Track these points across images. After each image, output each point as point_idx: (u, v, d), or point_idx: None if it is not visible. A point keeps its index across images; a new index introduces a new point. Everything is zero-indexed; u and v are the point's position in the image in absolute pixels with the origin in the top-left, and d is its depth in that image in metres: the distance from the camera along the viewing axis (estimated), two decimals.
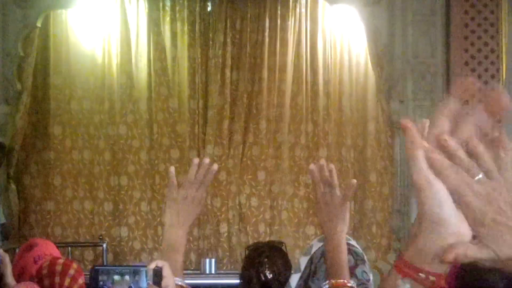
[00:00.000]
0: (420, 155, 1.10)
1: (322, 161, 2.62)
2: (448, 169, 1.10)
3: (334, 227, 2.58)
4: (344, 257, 2.59)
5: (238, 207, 8.93)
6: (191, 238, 8.49)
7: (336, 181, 2.60)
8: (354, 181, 2.71)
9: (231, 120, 8.98)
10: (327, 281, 2.59)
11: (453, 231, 1.12)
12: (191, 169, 2.61)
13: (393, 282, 1.18)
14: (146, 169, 9.04)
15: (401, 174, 8.33)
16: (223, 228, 8.87)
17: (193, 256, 8.66)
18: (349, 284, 2.58)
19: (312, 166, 2.65)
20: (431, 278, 1.15)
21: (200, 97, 9.03)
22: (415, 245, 1.15)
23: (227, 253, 8.78)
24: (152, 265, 2.05)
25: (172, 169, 2.70)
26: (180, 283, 2.53)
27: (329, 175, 2.60)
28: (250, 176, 8.98)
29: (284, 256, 3.60)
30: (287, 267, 3.49)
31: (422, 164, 1.10)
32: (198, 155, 8.89)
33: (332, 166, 2.59)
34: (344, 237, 2.63)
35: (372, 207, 8.71)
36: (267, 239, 8.35)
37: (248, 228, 8.90)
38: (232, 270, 7.97)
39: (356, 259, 2.98)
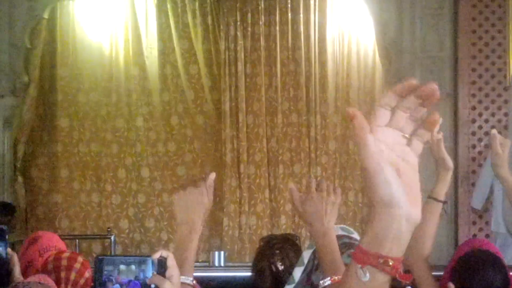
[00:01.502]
0: (370, 140, 1.12)
1: (291, 185, 2.67)
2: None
3: (326, 222, 2.58)
4: (337, 252, 2.59)
5: (267, 200, 8.96)
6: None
7: (325, 187, 2.61)
8: (339, 189, 2.73)
9: (248, 113, 9.00)
10: (329, 278, 2.58)
11: (405, 213, 1.15)
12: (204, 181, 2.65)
13: (353, 273, 1.17)
14: (165, 161, 9.07)
15: None
16: (253, 220, 8.91)
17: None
18: None
19: (291, 185, 2.68)
20: (390, 262, 1.15)
21: (215, 90, 9.03)
22: (370, 231, 1.16)
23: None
24: (157, 255, 2.05)
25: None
26: (188, 282, 2.52)
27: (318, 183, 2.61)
28: (273, 168, 9.02)
29: (296, 249, 3.59)
30: (299, 259, 3.49)
31: (373, 148, 1.13)
32: (216, 148, 9.00)
33: (339, 190, 2.61)
34: (334, 232, 2.62)
35: None
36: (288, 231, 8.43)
37: (273, 221, 8.95)
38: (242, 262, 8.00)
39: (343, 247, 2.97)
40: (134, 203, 8.94)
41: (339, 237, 2.73)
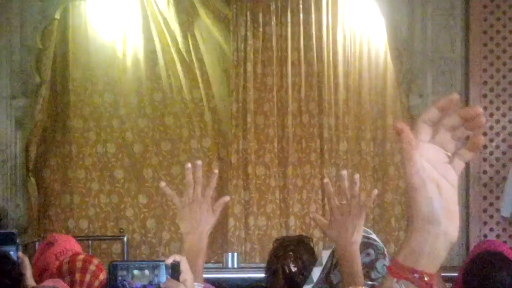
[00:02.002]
0: (417, 156, 1.15)
1: (344, 172, 2.60)
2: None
3: (349, 237, 2.58)
4: (359, 266, 2.59)
5: (278, 200, 8.96)
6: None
7: (357, 191, 2.58)
8: (376, 191, 2.69)
9: (257, 115, 9.00)
10: None
11: (442, 230, 1.16)
12: (186, 174, 2.61)
13: (389, 286, 1.19)
14: (169, 161, 9.06)
15: None
16: (263, 221, 8.94)
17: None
18: None
19: (326, 179, 2.65)
20: (426, 277, 1.17)
21: (226, 91, 9.05)
22: (407, 246, 1.18)
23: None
24: (170, 260, 2.06)
25: (163, 183, 2.70)
26: None
27: (351, 186, 2.58)
28: (282, 169, 9.02)
29: (310, 250, 3.60)
30: (312, 261, 3.49)
31: (418, 164, 1.15)
32: (226, 149, 9.02)
33: (356, 176, 2.57)
34: (358, 247, 2.62)
35: (391, 201, 8.72)
36: (297, 232, 8.43)
37: (281, 221, 8.96)
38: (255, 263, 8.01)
39: (377, 252, 2.98)
40: (163, 202, 8.91)
41: None
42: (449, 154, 1.19)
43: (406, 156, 1.14)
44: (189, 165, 2.59)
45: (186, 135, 9.07)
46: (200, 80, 9.04)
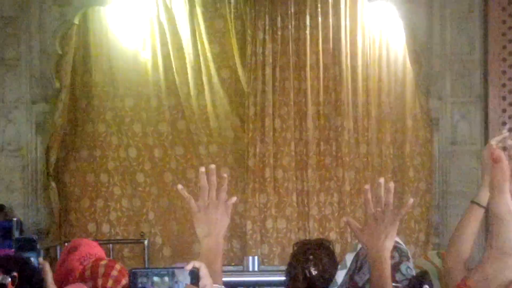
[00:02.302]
0: (507, 188, 1.11)
1: (381, 180, 2.61)
2: None
3: (381, 244, 2.59)
4: (389, 272, 2.60)
5: (295, 203, 8.97)
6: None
7: (392, 200, 2.59)
8: (411, 201, 2.70)
9: (275, 118, 9.01)
10: None
11: None
12: (200, 178, 2.63)
13: None
14: (183, 166, 9.08)
15: (439, 170, 8.33)
16: (282, 224, 8.94)
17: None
18: None
19: (367, 186, 2.65)
20: None
21: (243, 94, 9.07)
22: (481, 272, 1.17)
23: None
24: (189, 266, 2.07)
25: (180, 186, 2.70)
26: None
27: (386, 194, 2.59)
28: (300, 172, 9.03)
29: (330, 254, 3.60)
30: (332, 264, 3.50)
31: (508, 196, 1.11)
32: (243, 153, 9.03)
33: (391, 185, 2.57)
34: (389, 253, 2.63)
35: (411, 204, 8.67)
36: (315, 234, 8.44)
37: (299, 224, 8.97)
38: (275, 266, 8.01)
39: (401, 255, 3.00)
40: (183, 205, 8.92)
41: None
42: None
43: (497, 186, 1.12)
44: (203, 169, 2.61)
45: (205, 140, 9.09)
46: (207, 87, 9.07)
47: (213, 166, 2.61)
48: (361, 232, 2.62)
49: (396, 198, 8.15)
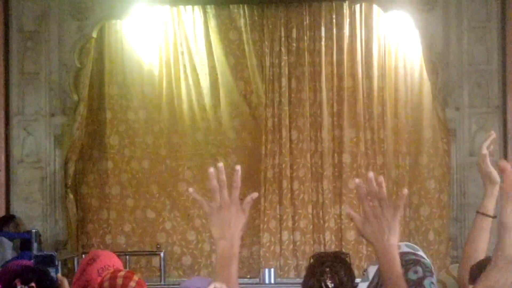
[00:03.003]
0: None
1: (371, 174, 2.58)
2: None
3: (386, 240, 2.56)
4: (399, 269, 2.57)
5: (310, 216, 8.95)
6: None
7: (385, 193, 2.56)
8: (405, 190, 2.66)
9: (292, 129, 9.02)
10: None
11: None
12: (210, 179, 2.61)
13: None
14: (197, 177, 9.08)
15: (457, 181, 8.28)
16: (296, 236, 8.94)
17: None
18: None
19: (357, 181, 2.61)
20: None
21: (260, 105, 9.08)
22: (486, 280, 1.16)
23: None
24: (211, 287, 2.06)
25: (191, 189, 2.69)
26: None
27: (378, 188, 2.56)
28: (315, 184, 9.01)
29: (347, 266, 3.58)
30: (349, 277, 3.47)
31: None
32: (259, 163, 9.01)
33: (381, 178, 2.55)
34: (396, 249, 2.60)
35: (429, 214, 8.65)
36: (332, 247, 8.40)
37: (314, 237, 8.95)
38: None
39: (425, 270, 2.96)
40: (200, 214, 8.94)
41: (404, 253, 2.72)
42: None
43: (506, 196, 1.11)
44: (212, 169, 2.59)
45: (214, 151, 9.11)
46: (223, 99, 9.11)
47: (221, 164, 2.59)
48: (363, 230, 2.59)
49: (413, 210, 8.13)
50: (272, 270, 6.84)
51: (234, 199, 2.59)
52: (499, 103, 8.23)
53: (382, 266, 2.56)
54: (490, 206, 3.13)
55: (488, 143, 3.11)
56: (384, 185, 2.45)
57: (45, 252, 6.20)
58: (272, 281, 6.81)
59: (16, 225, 8.05)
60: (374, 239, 2.54)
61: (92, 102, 9.09)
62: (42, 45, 8.61)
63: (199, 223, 9.01)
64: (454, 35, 8.28)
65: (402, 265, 2.61)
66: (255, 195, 2.60)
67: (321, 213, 8.96)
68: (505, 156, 8.03)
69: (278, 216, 8.97)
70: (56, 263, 3.05)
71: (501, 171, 1.09)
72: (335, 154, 9.00)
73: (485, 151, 3.07)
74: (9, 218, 8.19)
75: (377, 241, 2.54)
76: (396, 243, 2.57)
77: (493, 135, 3.14)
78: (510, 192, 1.08)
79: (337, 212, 8.92)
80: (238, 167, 2.53)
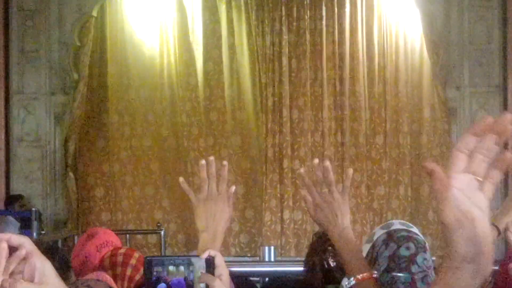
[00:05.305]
0: (450, 195, 1.10)
1: (316, 160, 2.60)
2: None
3: (339, 223, 2.58)
4: (358, 249, 2.59)
5: None
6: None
7: (332, 178, 2.59)
8: (351, 170, 2.69)
9: (292, 109, 9.01)
10: (352, 278, 2.58)
11: (479, 268, 1.13)
12: (200, 171, 2.62)
13: None
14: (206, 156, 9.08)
15: None
16: (298, 215, 8.98)
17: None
18: (374, 275, 2.57)
19: (301, 171, 2.64)
20: None
21: (260, 85, 9.07)
22: (442, 282, 1.15)
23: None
24: (205, 255, 2.06)
25: (181, 179, 2.70)
26: None
27: (323, 173, 2.58)
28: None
29: None
30: None
31: (452, 204, 1.10)
32: (256, 143, 9.01)
33: (327, 163, 2.57)
34: (350, 231, 2.62)
35: (429, 194, 8.68)
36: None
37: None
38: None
39: (418, 246, 2.96)
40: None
41: (397, 230, 2.72)
42: (480, 179, 1.12)
43: (440, 197, 1.09)
44: (203, 161, 2.60)
45: (228, 130, 9.11)
46: (234, 76, 9.09)
47: (211, 158, 2.60)
48: (316, 215, 2.61)
49: (413, 190, 8.13)
50: (272, 248, 6.83)
51: (222, 192, 2.60)
52: (500, 82, 8.22)
53: (339, 249, 2.58)
54: (503, 219, 3.11)
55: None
56: (330, 169, 2.49)
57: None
58: (272, 259, 6.80)
59: (22, 205, 8.08)
60: (327, 223, 2.57)
61: (92, 81, 9.08)
62: (42, 23, 8.59)
63: None
64: (455, 14, 8.26)
65: (394, 241, 2.63)
66: (232, 189, 2.61)
67: None
68: (505, 145, 8.02)
69: (279, 195, 8.99)
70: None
71: (429, 174, 1.08)
72: (336, 134, 9.00)
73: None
74: (17, 197, 8.22)
75: (330, 225, 2.57)
76: (349, 224, 2.59)
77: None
78: (444, 192, 1.07)
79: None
80: (225, 163, 2.54)
